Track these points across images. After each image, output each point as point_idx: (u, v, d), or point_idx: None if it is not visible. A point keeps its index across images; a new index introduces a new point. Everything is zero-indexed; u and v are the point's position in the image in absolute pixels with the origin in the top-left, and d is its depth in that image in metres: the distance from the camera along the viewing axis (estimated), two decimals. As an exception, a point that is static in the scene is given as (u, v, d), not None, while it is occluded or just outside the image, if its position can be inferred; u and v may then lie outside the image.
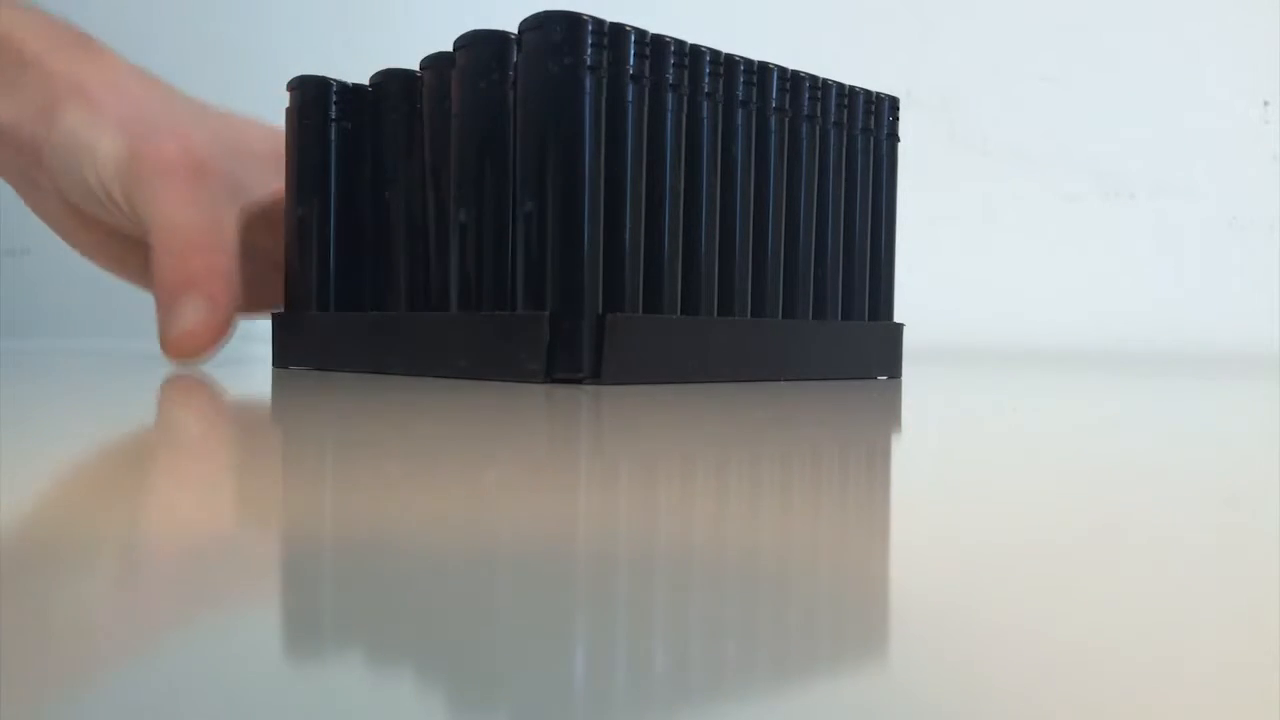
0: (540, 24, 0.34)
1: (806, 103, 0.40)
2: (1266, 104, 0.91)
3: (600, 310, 0.34)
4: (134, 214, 0.41)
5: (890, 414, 0.30)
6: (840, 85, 0.42)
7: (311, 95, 0.43)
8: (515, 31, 0.35)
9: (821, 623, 0.09)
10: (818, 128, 0.41)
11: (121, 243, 0.45)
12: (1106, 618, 0.09)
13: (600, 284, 0.34)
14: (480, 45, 0.36)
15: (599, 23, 0.34)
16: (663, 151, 0.36)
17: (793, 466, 0.18)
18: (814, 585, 0.10)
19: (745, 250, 0.39)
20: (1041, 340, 0.87)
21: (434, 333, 0.37)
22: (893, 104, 0.44)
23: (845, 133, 0.42)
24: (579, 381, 0.33)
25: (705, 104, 0.37)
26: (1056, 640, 0.08)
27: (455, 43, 0.37)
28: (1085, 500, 0.15)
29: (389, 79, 0.41)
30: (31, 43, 0.42)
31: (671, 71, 0.36)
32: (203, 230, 0.41)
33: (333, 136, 0.42)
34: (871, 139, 0.43)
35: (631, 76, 0.35)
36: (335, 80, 0.43)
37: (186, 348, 0.40)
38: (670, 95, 0.36)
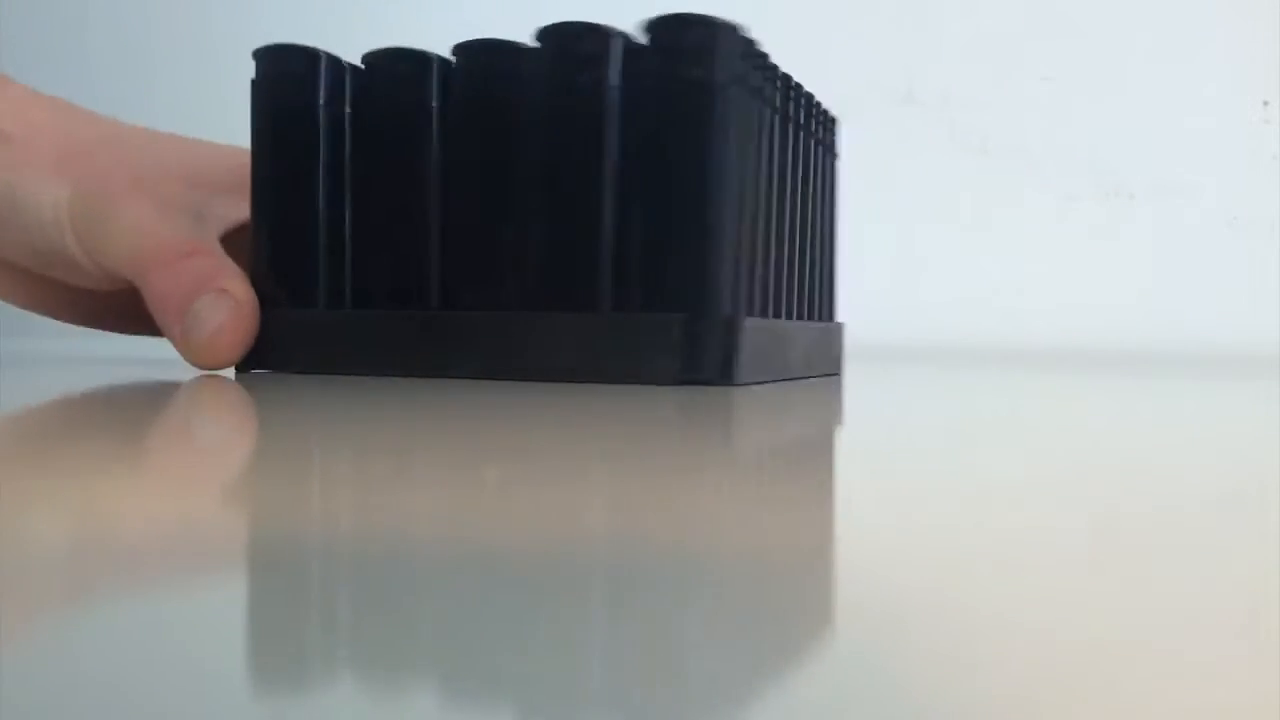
0: (673, 26, 0.34)
1: (803, 115, 0.42)
2: (1266, 104, 0.91)
3: (729, 313, 0.34)
4: (97, 260, 0.38)
5: (902, 412, 0.30)
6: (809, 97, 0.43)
7: (299, 68, 0.40)
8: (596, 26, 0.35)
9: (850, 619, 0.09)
10: (814, 141, 0.43)
11: (66, 291, 0.42)
12: (1104, 619, 0.09)
13: (730, 287, 0.34)
14: (577, 38, 0.35)
15: (737, 28, 0.34)
16: (760, 160, 0.36)
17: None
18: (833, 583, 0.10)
19: (792, 255, 0.40)
20: (1041, 340, 0.87)
21: (535, 333, 0.36)
22: (833, 121, 0.46)
23: (818, 144, 0.44)
24: (708, 383, 0.33)
25: (775, 116, 0.38)
26: (1054, 642, 0.08)
27: (542, 32, 0.36)
28: (1083, 500, 0.15)
29: (401, 59, 0.39)
30: None
31: (765, 83, 0.37)
32: (186, 234, 0.37)
33: (321, 117, 0.40)
34: (827, 153, 0.45)
35: (752, 87, 0.35)
36: (323, 52, 0.40)
37: (219, 350, 0.37)
38: (763, 105, 0.36)
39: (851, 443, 0.23)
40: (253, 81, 0.40)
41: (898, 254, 0.96)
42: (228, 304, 0.37)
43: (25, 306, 0.43)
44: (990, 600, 0.10)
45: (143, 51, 1.12)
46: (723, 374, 0.33)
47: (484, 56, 0.37)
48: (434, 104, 0.38)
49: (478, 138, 0.38)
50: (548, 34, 0.36)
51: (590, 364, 0.34)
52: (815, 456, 0.21)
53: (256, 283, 0.39)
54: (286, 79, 0.40)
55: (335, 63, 0.40)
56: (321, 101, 0.39)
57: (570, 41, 0.35)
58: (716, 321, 0.33)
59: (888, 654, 0.08)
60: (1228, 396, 0.40)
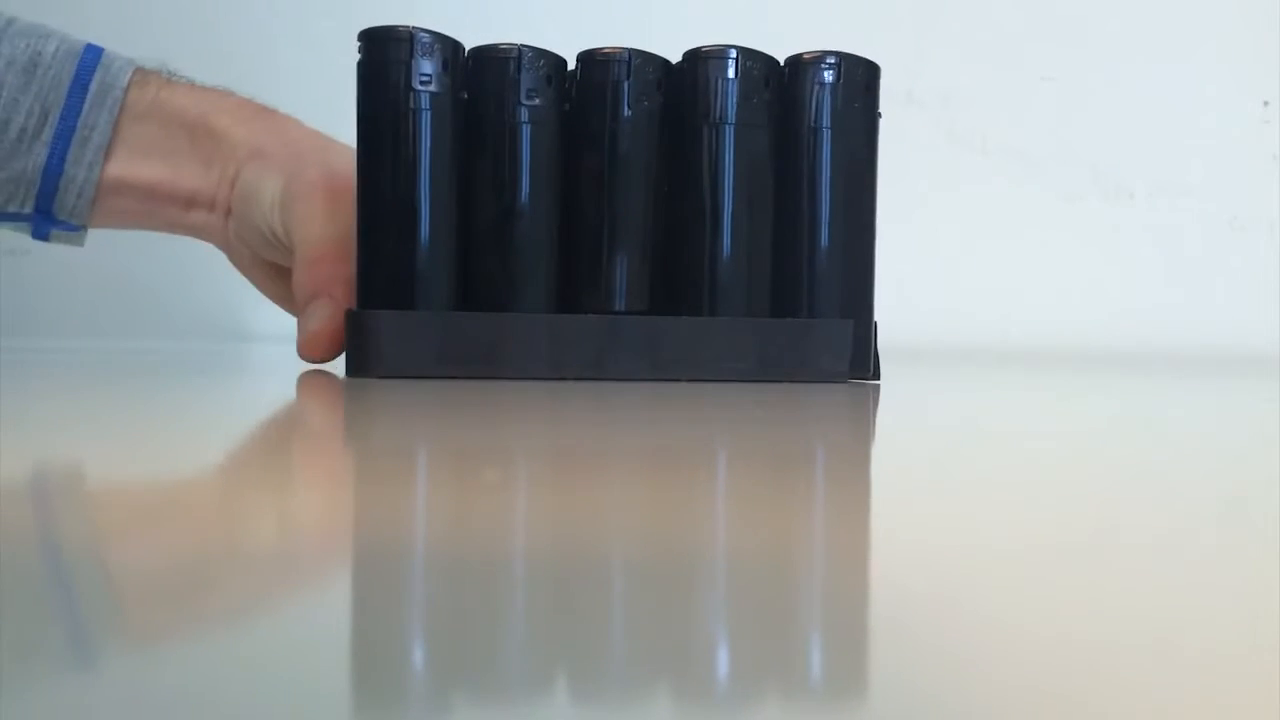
0: (844, 63, 0.39)
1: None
2: (1266, 104, 0.91)
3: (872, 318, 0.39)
4: (288, 241, 0.45)
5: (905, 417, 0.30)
6: None
7: (440, 53, 0.38)
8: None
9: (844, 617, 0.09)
10: None
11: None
12: (1107, 619, 0.09)
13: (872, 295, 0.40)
14: (758, 60, 0.39)
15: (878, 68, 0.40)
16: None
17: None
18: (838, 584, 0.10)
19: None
20: (1041, 340, 0.87)
21: (707, 336, 0.38)
22: None
23: None
24: (864, 379, 0.38)
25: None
26: (1057, 642, 0.08)
27: (707, 51, 0.38)
28: (1085, 501, 0.15)
29: (587, 61, 0.39)
30: (219, 119, 0.48)
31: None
32: (334, 242, 0.44)
33: (423, 104, 0.38)
34: None
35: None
36: (444, 35, 0.39)
37: (312, 349, 0.43)
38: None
39: (851, 445, 0.23)
40: (360, 63, 0.39)
41: (897, 254, 0.96)
42: (327, 313, 0.43)
43: (279, 302, 0.50)
44: (994, 601, 0.10)
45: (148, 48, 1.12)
46: (875, 372, 0.39)
47: (649, 66, 0.39)
48: (625, 112, 0.39)
49: (655, 146, 0.39)
50: (729, 53, 0.39)
51: (764, 364, 0.38)
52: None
53: (377, 284, 0.39)
54: (403, 64, 0.38)
55: (454, 47, 0.38)
56: (445, 90, 0.38)
57: (758, 61, 0.39)
58: (870, 325, 0.39)
59: (891, 654, 0.08)
60: (1228, 396, 0.40)
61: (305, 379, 0.38)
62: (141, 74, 0.49)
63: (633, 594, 0.10)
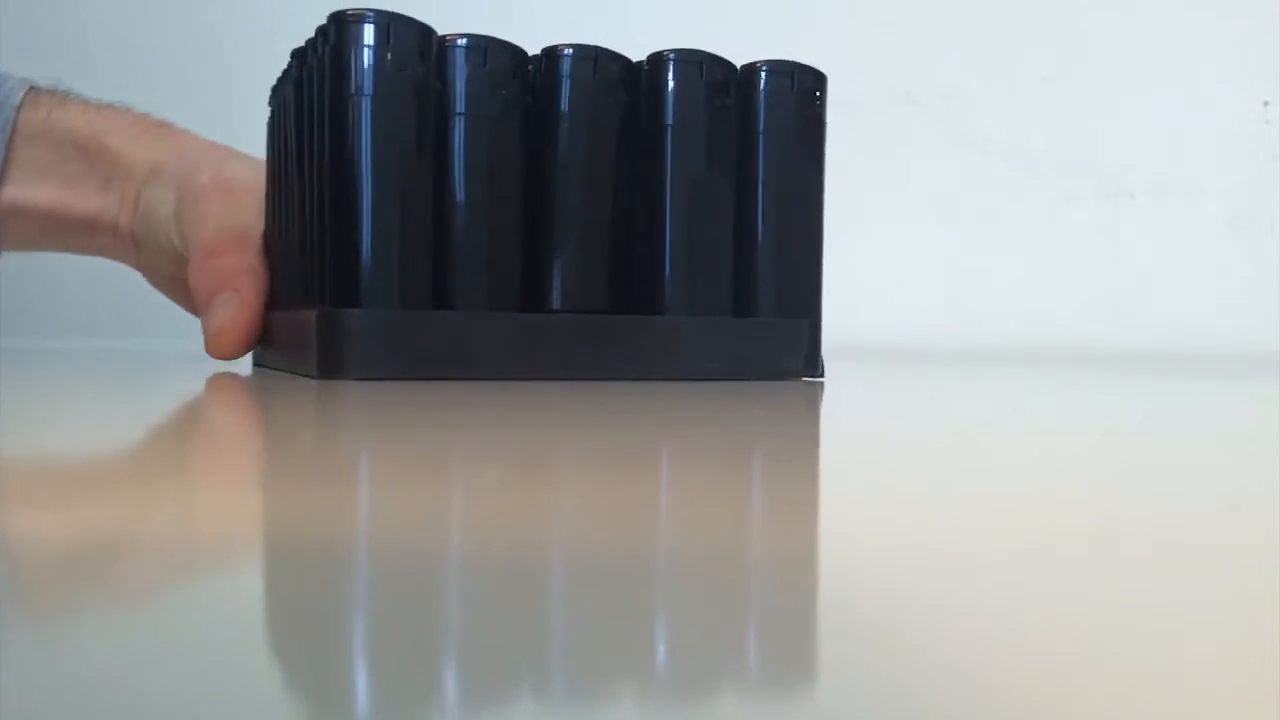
0: (792, 71, 0.40)
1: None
2: (1266, 104, 0.91)
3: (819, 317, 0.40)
4: (185, 248, 0.44)
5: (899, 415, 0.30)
6: None
7: (409, 40, 0.37)
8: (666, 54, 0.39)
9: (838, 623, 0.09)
10: None
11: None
12: (1106, 623, 0.09)
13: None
14: (717, 65, 0.39)
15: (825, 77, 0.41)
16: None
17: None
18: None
19: None
20: (1041, 340, 0.87)
21: (676, 335, 0.38)
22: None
23: None
24: (815, 377, 0.39)
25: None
26: (1055, 646, 0.08)
27: (670, 54, 0.39)
28: (1084, 502, 0.15)
29: (502, 51, 0.38)
30: (114, 139, 0.46)
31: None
32: (230, 235, 0.43)
33: (395, 92, 0.36)
34: None
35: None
36: (419, 22, 0.37)
37: (222, 345, 0.42)
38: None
39: (856, 441, 0.23)
40: (329, 47, 0.37)
41: (898, 254, 0.96)
42: (235, 302, 0.41)
43: (185, 308, 0.49)
44: (990, 605, 0.10)
45: (145, 49, 1.12)
46: (821, 371, 0.40)
47: (610, 64, 0.39)
48: (567, 107, 0.38)
49: (605, 146, 0.39)
50: (686, 57, 0.39)
51: (725, 363, 0.38)
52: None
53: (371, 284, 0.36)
54: (400, 52, 0.36)
55: (426, 34, 0.37)
56: (421, 78, 0.36)
57: (712, 66, 0.39)
58: (819, 324, 0.40)
59: (884, 659, 0.08)
60: (1228, 396, 0.40)
61: (280, 381, 0.37)
62: (34, 94, 0.47)
63: (595, 594, 0.10)
